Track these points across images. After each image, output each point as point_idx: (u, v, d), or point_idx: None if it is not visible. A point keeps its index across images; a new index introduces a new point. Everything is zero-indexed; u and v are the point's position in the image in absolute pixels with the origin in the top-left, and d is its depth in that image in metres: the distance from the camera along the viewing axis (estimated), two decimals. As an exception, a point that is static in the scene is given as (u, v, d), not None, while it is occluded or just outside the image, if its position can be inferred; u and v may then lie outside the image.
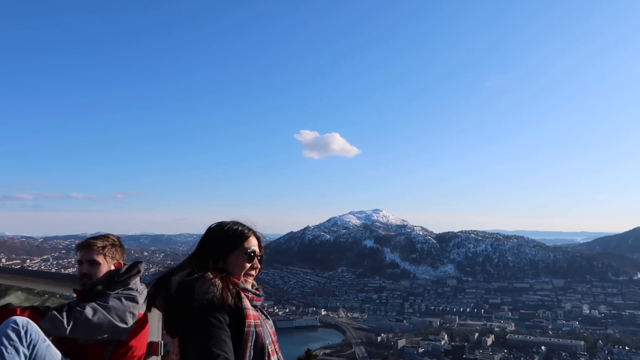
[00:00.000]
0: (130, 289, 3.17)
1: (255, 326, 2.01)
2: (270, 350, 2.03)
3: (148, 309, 2.74)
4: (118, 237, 3.40)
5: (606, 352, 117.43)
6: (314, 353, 29.32)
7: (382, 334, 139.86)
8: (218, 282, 2.00)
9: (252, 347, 1.95)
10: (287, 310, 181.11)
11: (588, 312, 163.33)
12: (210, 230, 2.28)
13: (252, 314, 2.04)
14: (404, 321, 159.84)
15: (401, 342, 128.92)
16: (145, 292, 3.19)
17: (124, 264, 3.37)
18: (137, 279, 3.31)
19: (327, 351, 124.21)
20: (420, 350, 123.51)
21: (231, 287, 2.06)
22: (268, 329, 2.14)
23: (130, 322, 3.01)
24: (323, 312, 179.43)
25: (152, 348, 3.40)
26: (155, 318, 3.41)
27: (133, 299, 3.07)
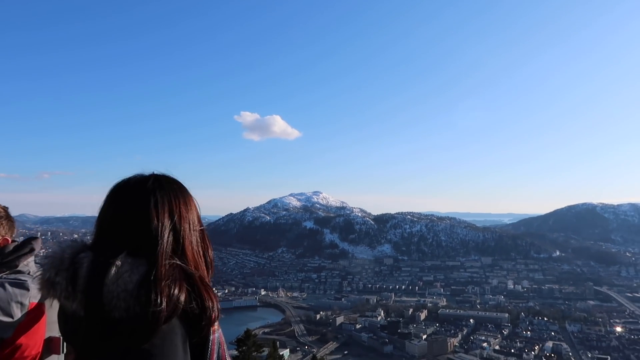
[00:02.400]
0: (19, 272, 2.37)
1: (218, 330, 1.46)
2: (228, 354, 1.49)
3: (44, 298, 2.06)
4: (5, 208, 2.56)
5: (527, 323, 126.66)
6: (253, 332, 29.18)
7: (321, 312, 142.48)
8: (180, 280, 1.33)
9: (217, 357, 1.42)
10: (227, 291, 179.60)
11: (512, 287, 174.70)
12: (150, 199, 1.40)
13: (216, 314, 1.44)
14: (342, 299, 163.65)
15: (339, 319, 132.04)
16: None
17: (13, 241, 2.52)
18: (30, 260, 2.48)
19: (266, 330, 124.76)
20: (358, 326, 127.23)
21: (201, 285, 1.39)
22: None
23: (18, 314, 2.20)
24: (263, 292, 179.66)
25: (51, 345, 2.53)
26: (55, 308, 2.30)
27: (22, 285, 2.23)
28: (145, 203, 1.39)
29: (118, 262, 1.28)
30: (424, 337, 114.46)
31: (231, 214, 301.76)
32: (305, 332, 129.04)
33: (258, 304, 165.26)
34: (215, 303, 1.36)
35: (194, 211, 1.51)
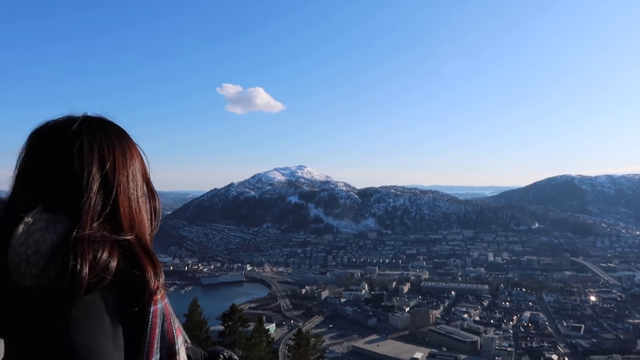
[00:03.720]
0: None
1: (161, 301, 1.11)
2: (176, 327, 1.15)
3: None
4: None
5: (506, 294, 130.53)
6: (239, 308, 29.69)
7: (307, 287, 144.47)
8: (111, 242, 1.01)
9: (160, 334, 1.09)
10: (212, 266, 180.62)
11: (492, 259, 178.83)
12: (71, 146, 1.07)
13: (159, 282, 1.07)
14: (327, 273, 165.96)
15: (324, 293, 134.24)
16: None
17: None
18: None
19: (252, 305, 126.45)
20: (342, 300, 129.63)
21: (140, 249, 1.08)
22: None
23: None
24: (248, 268, 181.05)
25: None
26: None
27: None
28: (67, 149, 1.06)
29: (28, 219, 0.98)
30: (407, 309, 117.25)
31: (215, 189, 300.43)
32: (290, 306, 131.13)
33: (244, 279, 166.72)
34: (157, 270, 1.06)
35: (135, 162, 1.19)
